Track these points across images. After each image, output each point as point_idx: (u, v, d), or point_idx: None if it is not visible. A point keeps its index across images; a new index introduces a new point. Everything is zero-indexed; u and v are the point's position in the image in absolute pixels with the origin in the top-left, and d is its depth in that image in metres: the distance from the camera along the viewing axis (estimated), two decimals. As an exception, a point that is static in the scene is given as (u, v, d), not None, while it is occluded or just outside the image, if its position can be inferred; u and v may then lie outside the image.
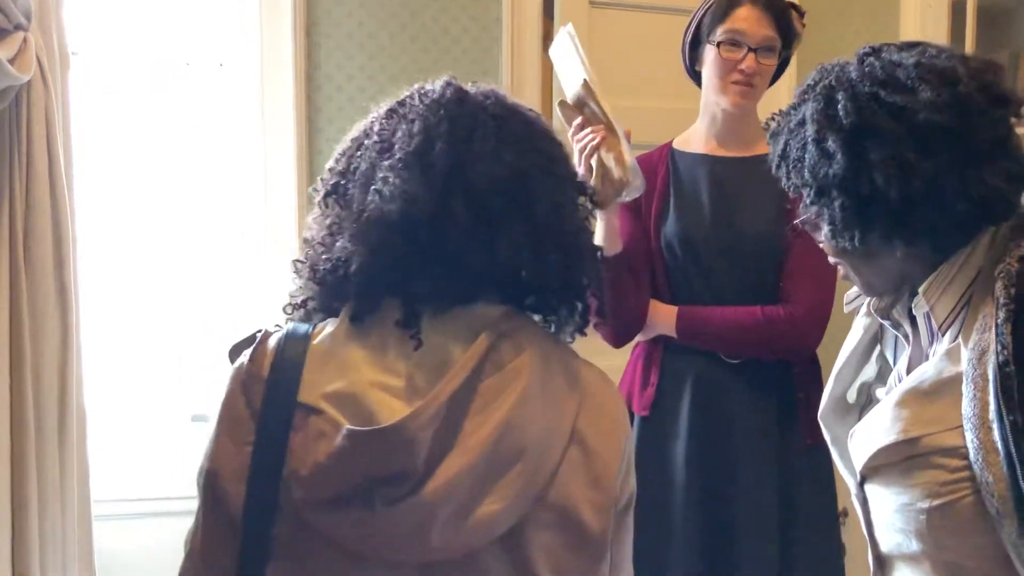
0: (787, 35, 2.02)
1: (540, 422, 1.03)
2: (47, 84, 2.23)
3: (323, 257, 1.09)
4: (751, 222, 2.02)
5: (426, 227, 1.04)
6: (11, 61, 2.06)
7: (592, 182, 1.85)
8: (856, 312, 1.40)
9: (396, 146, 1.08)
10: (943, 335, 1.19)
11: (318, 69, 2.75)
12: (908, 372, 1.26)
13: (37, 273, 2.26)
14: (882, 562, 1.29)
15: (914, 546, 1.20)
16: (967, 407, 1.12)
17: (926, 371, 1.20)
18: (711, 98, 2.06)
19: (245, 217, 2.88)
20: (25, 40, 2.12)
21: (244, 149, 2.87)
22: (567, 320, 1.14)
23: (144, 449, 2.83)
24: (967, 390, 1.12)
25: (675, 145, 2.15)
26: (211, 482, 1.06)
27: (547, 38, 2.87)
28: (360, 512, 0.99)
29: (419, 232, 1.04)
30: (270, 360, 1.06)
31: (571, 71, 1.88)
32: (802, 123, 1.22)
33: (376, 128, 1.12)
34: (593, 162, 1.84)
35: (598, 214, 1.93)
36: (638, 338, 2.12)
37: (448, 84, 1.13)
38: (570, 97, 1.90)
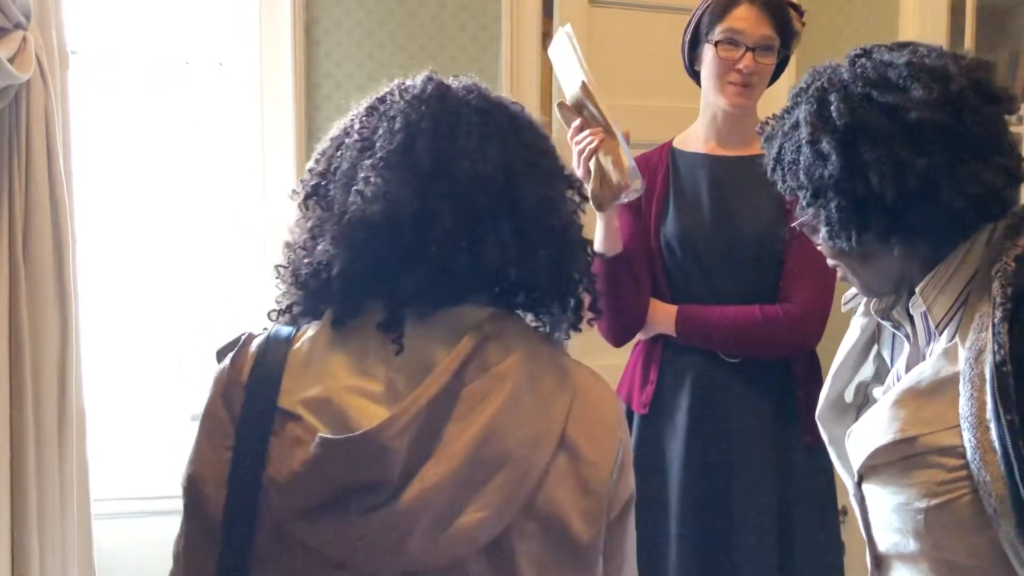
0: (786, 34, 2.02)
1: (526, 428, 1.00)
2: (46, 83, 2.23)
3: (305, 261, 1.06)
4: (751, 221, 2.02)
5: (410, 228, 1.01)
6: (10, 60, 2.07)
7: (591, 185, 1.85)
8: (854, 312, 1.40)
9: (377, 144, 1.05)
10: (940, 334, 1.20)
11: (317, 68, 2.75)
12: (907, 370, 1.26)
13: (36, 272, 2.26)
14: (880, 561, 1.30)
15: (912, 545, 1.21)
16: (964, 406, 1.12)
17: (923, 371, 1.20)
18: (710, 98, 2.06)
19: (244, 216, 2.88)
20: (24, 39, 2.12)
21: (243, 148, 2.87)
22: (560, 317, 1.11)
23: (144, 448, 2.83)
24: (964, 389, 1.12)
25: (675, 144, 2.15)
26: (192, 487, 1.05)
27: (546, 37, 2.87)
28: (336, 521, 0.97)
29: (403, 233, 1.02)
30: (250, 365, 1.05)
31: (569, 72, 1.88)
32: (796, 126, 1.22)
33: (356, 126, 1.09)
34: (591, 165, 1.84)
35: (597, 215, 1.94)
36: (638, 337, 2.12)
37: (429, 79, 1.10)
38: (569, 99, 1.90)
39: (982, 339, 1.12)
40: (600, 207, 1.89)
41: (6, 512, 2.23)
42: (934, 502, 1.16)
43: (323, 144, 1.13)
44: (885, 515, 1.24)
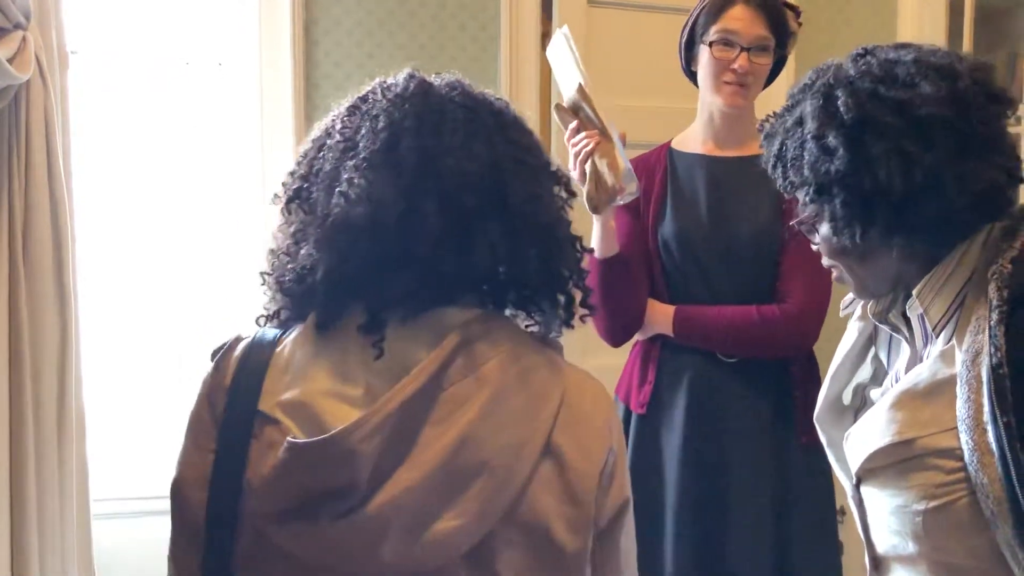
0: (782, 34, 2.02)
1: (508, 433, 0.98)
2: (46, 83, 2.23)
3: (288, 267, 1.05)
4: (748, 222, 2.03)
5: (395, 229, 0.99)
6: (10, 60, 2.07)
7: (586, 187, 1.85)
8: (851, 315, 1.40)
9: (360, 145, 1.02)
10: (937, 337, 1.20)
11: (317, 68, 2.75)
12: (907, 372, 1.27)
13: (36, 272, 2.26)
14: (878, 563, 1.30)
15: (910, 547, 1.21)
16: (962, 409, 1.12)
17: (920, 373, 1.20)
18: (707, 98, 2.06)
19: (244, 216, 2.88)
20: (24, 39, 2.12)
21: (243, 148, 2.87)
22: (552, 315, 1.09)
23: (143, 448, 2.83)
24: (961, 392, 1.12)
25: (673, 145, 2.16)
26: (178, 489, 1.05)
27: (545, 37, 2.87)
28: (308, 526, 0.96)
29: (388, 235, 0.99)
30: (233, 368, 1.04)
31: (567, 74, 1.88)
32: (799, 122, 1.22)
33: (338, 126, 1.06)
34: (587, 167, 1.84)
35: (594, 217, 1.94)
36: (636, 337, 2.13)
37: (411, 76, 1.08)
38: (566, 100, 1.90)
39: (979, 341, 1.12)
40: (595, 210, 1.89)
41: (6, 512, 2.23)
42: (932, 504, 1.16)
43: (304, 146, 1.11)
44: (883, 517, 1.24)
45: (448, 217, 1.00)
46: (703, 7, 2.02)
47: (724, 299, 2.03)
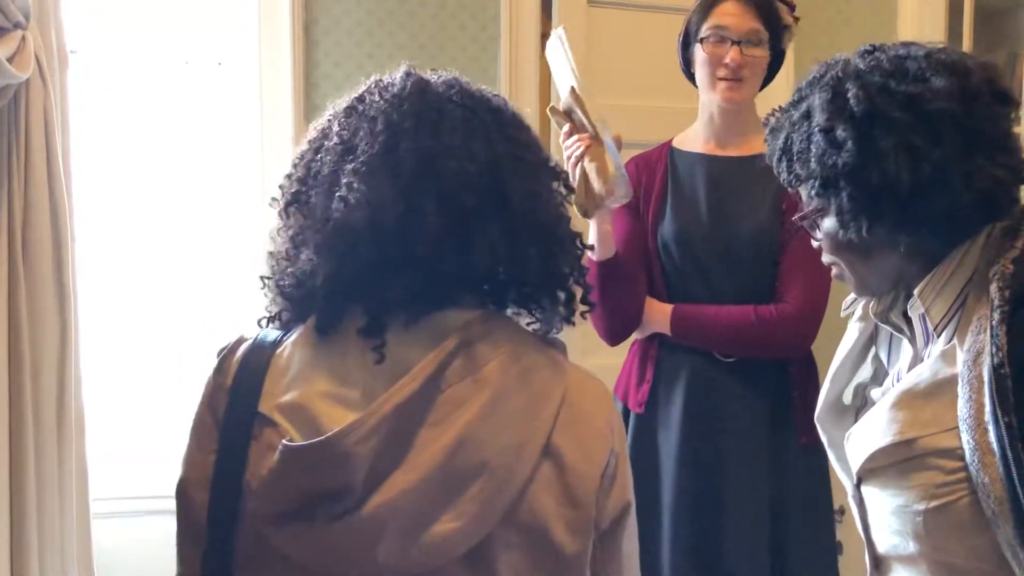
0: (775, 27, 2.02)
1: (507, 434, 0.97)
2: (46, 82, 2.23)
3: (288, 271, 1.05)
4: (748, 221, 2.03)
5: (395, 232, 0.99)
6: (10, 60, 2.07)
7: (576, 191, 1.84)
8: (852, 315, 1.40)
9: (359, 148, 1.02)
10: (938, 336, 1.20)
11: (316, 68, 2.75)
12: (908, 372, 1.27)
13: (36, 271, 2.26)
14: (879, 563, 1.30)
15: (911, 547, 1.21)
16: (963, 408, 1.12)
17: (922, 373, 1.20)
18: (705, 97, 2.07)
19: (243, 215, 2.88)
20: (24, 38, 2.12)
21: (242, 147, 2.87)
22: (552, 312, 1.08)
23: (143, 448, 2.83)
24: (963, 392, 1.12)
25: (675, 144, 2.16)
26: (182, 489, 1.06)
27: (545, 37, 2.87)
28: (305, 528, 0.96)
29: (388, 238, 0.99)
30: (234, 369, 1.05)
31: (562, 75, 1.88)
32: (806, 115, 1.21)
33: (335, 128, 1.06)
34: (577, 171, 1.84)
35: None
36: (634, 336, 2.13)
37: (408, 75, 1.07)
38: (561, 102, 1.90)
39: (980, 341, 1.12)
40: (585, 214, 1.88)
41: (5, 511, 2.23)
42: (933, 504, 1.16)
43: (301, 148, 1.10)
44: (884, 517, 1.24)
45: (448, 217, 1.00)
46: (696, 7, 2.04)
47: (723, 299, 2.03)
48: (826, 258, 1.31)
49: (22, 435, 2.24)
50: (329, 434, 0.95)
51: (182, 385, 2.92)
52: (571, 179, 1.83)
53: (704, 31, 2.00)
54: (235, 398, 1.03)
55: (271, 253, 1.09)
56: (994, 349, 1.10)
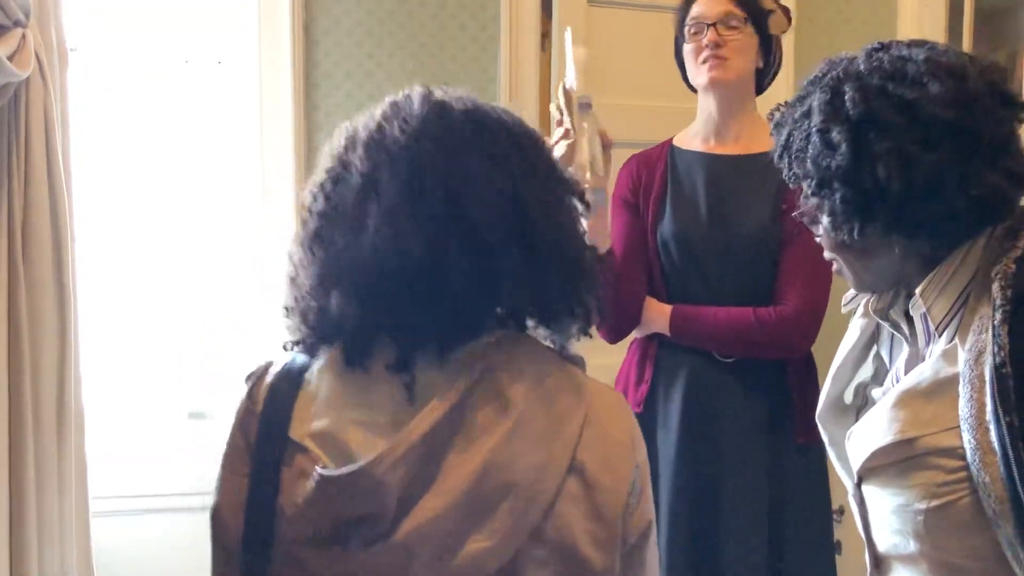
0: (752, 10, 2.04)
1: (532, 455, 0.99)
2: (46, 81, 2.23)
3: (313, 305, 1.06)
4: (747, 220, 2.03)
5: (424, 275, 1.00)
6: (10, 58, 2.07)
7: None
8: (853, 313, 1.40)
9: (381, 184, 1.02)
10: (940, 336, 1.20)
11: (316, 67, 2.75)
12: (907, 371, 1.27)
13: (35, 270, 2.26)
14: (879, 562, 1.30)
15: (911, 547, 1.21)
16: (964, 408, 1.12)
17: (923, 372, 1.20)
18: (700, 93, 2.08)
19: (243, 215, 2.88)
20: (24, 37, 2.12)
21: (242, 146, 2.87)
22: (569, 324, 1.10)
23: (143, 447, 2.83)
24: (964, 391, 1.12)
25: (675, 142, 2.16)
26: (216, 513, 1.07)
27: (545, 37, 2.88)
28: (338, 552, 0.99)
29: (417, 280, 1.00)
30: (264, 395, 1.06)
31: (568, 72, 1.89)
32: (807, 114, 1.21)
33: (356, 162, 1.05)
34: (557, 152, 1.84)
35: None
36: (633, 335, 2.13)
37: (425, 99, 1.07)
38: (559, 96, 1.91)
39: (982, 341, 1.12)
40: None
41: (5, 510, 2.23)
42: (934, 503, 1.16)
43: (318, 176, 1.09)
44: (885, 516, 1.24)
45: (474, 255, 1.01)
46: (677, 8, 2.09)
47: (723, 298, 2.03)
48: (827, 253, 1.31)
49: (22, 434, 2.24)
50: (363, 463, 0.97)
51: (181, 384, 2.92)
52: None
53: (686, 27, 2.05)
54: (266, 424, 1.05)
55: (293, 281, 1.08)
56: (996, 348, 1.10)
